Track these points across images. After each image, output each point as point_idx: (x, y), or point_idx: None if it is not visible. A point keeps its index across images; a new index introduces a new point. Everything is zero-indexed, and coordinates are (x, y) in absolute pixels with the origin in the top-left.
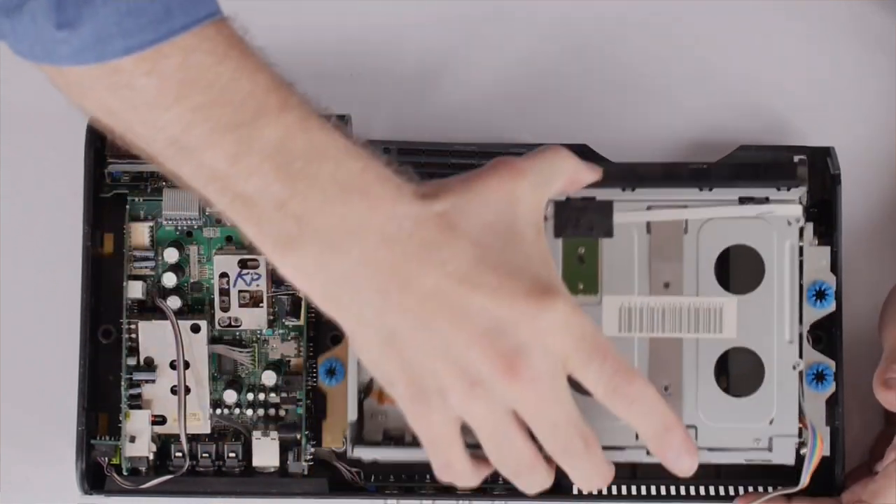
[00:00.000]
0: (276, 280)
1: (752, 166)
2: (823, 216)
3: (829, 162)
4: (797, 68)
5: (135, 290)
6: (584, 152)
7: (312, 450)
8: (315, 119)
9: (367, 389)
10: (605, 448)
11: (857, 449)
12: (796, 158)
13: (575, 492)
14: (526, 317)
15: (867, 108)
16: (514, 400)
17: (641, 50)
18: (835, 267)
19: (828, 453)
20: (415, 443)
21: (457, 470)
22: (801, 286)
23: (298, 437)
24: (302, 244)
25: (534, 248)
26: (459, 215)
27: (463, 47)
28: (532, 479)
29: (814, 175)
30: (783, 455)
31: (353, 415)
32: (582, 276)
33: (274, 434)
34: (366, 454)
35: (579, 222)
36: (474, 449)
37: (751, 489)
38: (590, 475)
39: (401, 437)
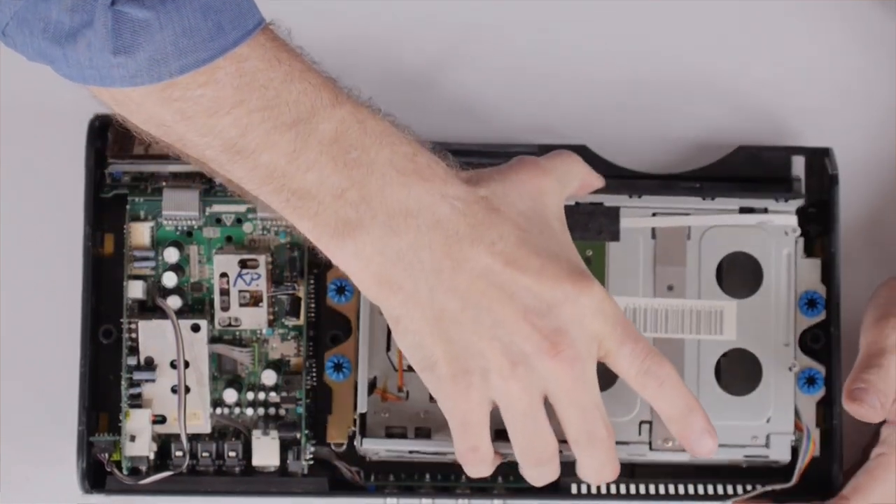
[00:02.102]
0: (275, 280)
1: (749, 182)
2: (821, 216)
3: (828, 162)
4: (797, 69)
5: (135, 289)
6: (584, 153)
7: (312, 449)
8: (366, 110)
9: (371, 386)
10: None
11: (853, 449)
12: (794, 174)
13: (574, 491)
14: (569, 298)
15: (866, 109)
16: (553, 380)
17: (641, 50)
18: (825, 278)
19: (818, 454)
20: (418, 437)
21: (481, 454)
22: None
23: (298, 436)
24: (361, 229)
25: (563, 237)
26: (500, 201)
27: (463, 47)
28: (548, 469)
29: (812, 175)
30: (779, 451)
31: (363, 407)
32: None
33: (274, 433)
34: (372, 446)
35: (588, 226)
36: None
37: (749, 487)
38: (603, 466)
39: (402, 434)
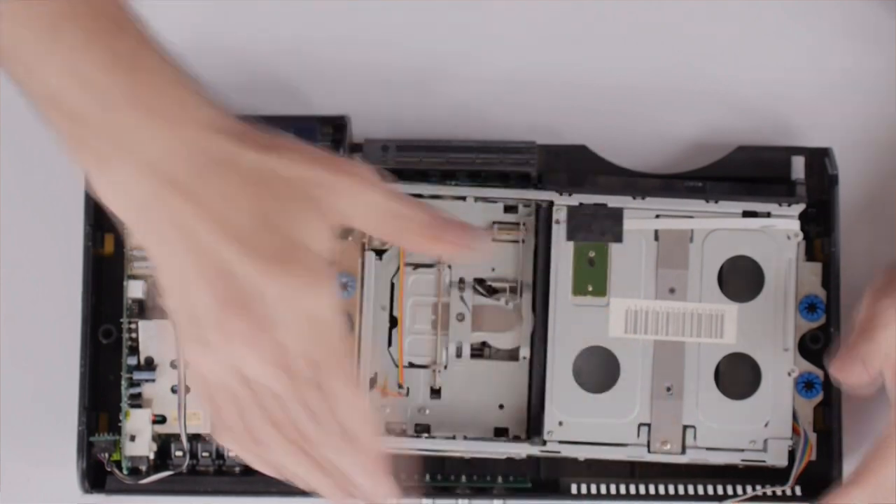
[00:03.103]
0: None
1: (750, 183)
2: (821, 217)
3: (828, 162)
4: (796, 68)
5: (135, 289)
6: (584, 153)
7: None
8: (148, 45)
9: (371, 383)
10: (606, 444)
11: (852, 452)
12: (796, 177)
13: (574, 491)
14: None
15: (866, 109)
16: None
17: (640, 50)
18: (825, 281)
19: (815, 458)
20: (415, 434)
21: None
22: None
23: None
24: (118, 162)
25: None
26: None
27: (462, 47)
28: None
29: (811, 175)
30: (776, 456)
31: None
32: (591, 278)
33: None
34: None
35: (591, 227)
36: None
37: (749, 488)
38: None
39: (402, 431)
